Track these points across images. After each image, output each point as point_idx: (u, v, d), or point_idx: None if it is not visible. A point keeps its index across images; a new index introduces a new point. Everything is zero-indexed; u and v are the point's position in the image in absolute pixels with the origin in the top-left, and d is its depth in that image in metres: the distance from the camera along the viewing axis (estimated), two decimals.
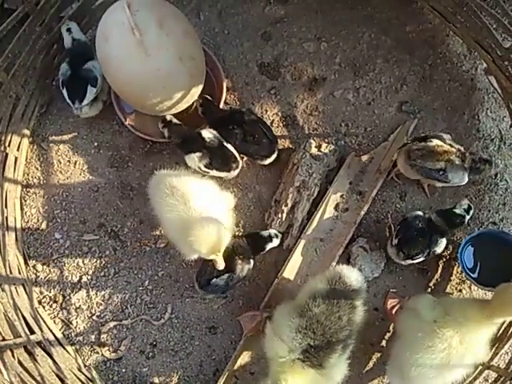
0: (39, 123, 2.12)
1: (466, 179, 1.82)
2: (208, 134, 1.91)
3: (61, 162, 2.09)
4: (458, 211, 1.81)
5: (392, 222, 1.94)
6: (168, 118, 1.94)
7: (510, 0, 1.84)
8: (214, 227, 1.53)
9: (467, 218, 1.83)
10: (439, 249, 1.83)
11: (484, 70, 2.10)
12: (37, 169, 2.09)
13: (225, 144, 1.92)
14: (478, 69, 2.14)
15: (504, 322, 1.76)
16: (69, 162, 2.09)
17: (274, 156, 1.97)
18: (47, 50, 2.03)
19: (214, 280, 1.74)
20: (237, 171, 1.96)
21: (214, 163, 1.90)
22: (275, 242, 1.86)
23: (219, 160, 1.90)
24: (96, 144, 2.10)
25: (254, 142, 1.93)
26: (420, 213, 1.85)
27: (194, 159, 1.89)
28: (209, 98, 1.99)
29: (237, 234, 1.90)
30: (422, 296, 1.72)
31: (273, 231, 1.88)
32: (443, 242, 1.83)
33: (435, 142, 1.80)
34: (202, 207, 1.64)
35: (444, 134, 1.85)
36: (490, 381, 1.75)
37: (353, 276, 1.59)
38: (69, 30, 1.97)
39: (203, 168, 1.90)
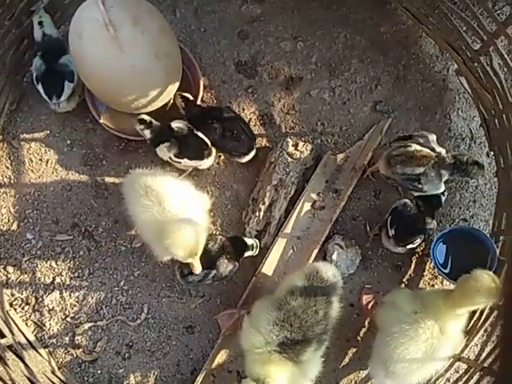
0: (9, 121, 2.05)
1: (442, 187, 1.82)
2: (177, 124, 1.90)
3: (32, 161, 2.04)
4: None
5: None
6: (146, 118, 1.89)
7: (479, 3, 1.89)
8: (192, 230, 1.52)
9: (443, 198, 1.91)
10: (432, 230, 1.90)
11: (455, 71, 2.16)
12: (7, 168, 2.03)
13: (195, 132, 1.90)
14: (449, 70, 2.19)
15: (475, 313, 1.82)
16: (41, 160, 2.04)
17: (252, 153, 1.97)
18: (17, 45, 1.97)
19: (191, 276, 1.72)
20: (210, 159, 1.95)
21: (184, 151, 1.88)
22: (254, 252, 1.87)
23: (189, 148, 1.88)
24: (69, 142, 2.06)
25: (233, 138, 1.93)
26: (407, 200, 1.89)
27: (163, 150, 1.87)
28: (187, 95, 1.97)
29: (222, 234, 1.89)
30: (399, 290, 1.77)
31: (255, 241, 1.88)
32: (434, 222, 1.90)
33: (414, 146, 1.78)
34: (177, 208, 1.62)
35: (429, 135, 1.83)
36: (460, 372, 1.80)
37: (330, 271, 1.63)
38: (41, 23, 1.92)
39: (174, 158, 1.88)
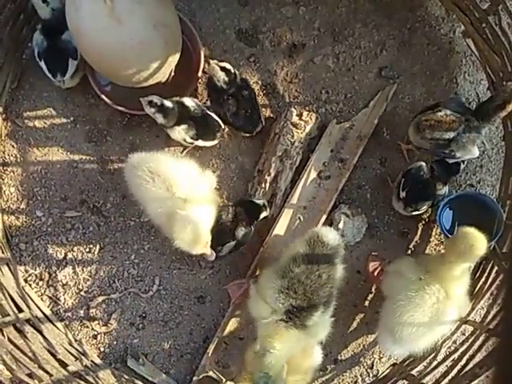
0: (11, 99, 2.04)
1: (477, 152, 1.79)
2: (191, 102, 1.86)
3: (37, 139, 2.04)
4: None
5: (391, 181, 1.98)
6: (156, 100, 1.75)
7: None
8: (192, 227, 1.57)
9: (462, 166, 1.89)
10: (442, 196, 1.89)
11: (462, 33, 2.10)
12: (13, 146, 2.03)
13: (208, 112, 1.89)
14: (456, 32, 2.13)
15: (482, 277, 1.85)
16: (45, 138, 2.04)
17: (257, 130, 1.98)
18: (13, 21, 1.93)
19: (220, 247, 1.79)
20: (219, 138, 1.95)
21: (200, 133, 1.87)
22: (268, 212, 1.86)
23: (204, 130, 1.88)
24: (72, 118, 2.05)
25: (245, 116, 1.92)
26: (423, 163, 1.88)
27: (180, 132, 1.85)
28: (227, 66, 1.87)
29: (230, 204, 1.90)
30: (402, 258, 1.78)
31: (264, 201, 1.86)
32: (445, 189, 1.89)
33: (444, 111, 1.76)
34: (185, 191, 1.63)
35: (458, 98, 1.80)
36: (466, 334, 1.84)
37: (330, 235, 1.63)
38: (45, 0, 1.83)
39: (189, 139, 1.87)
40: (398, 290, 1.66)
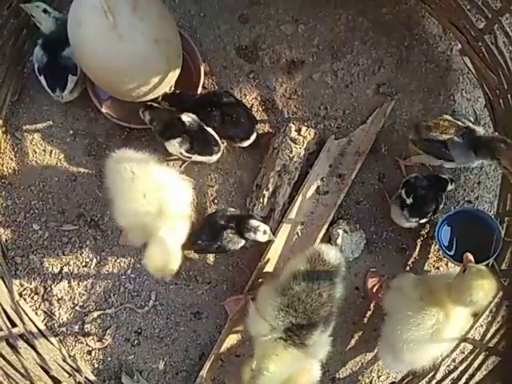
0: (11, 112, 2.05)
1: (475, 162, 1.77)
2: (187, 117, 1.88)
3: (36, 152, 2.04)
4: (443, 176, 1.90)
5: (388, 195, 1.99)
6: (153, 105, 1.88)
7: None
8: (161, 252, 1.57)
9: (449, 186, 1.91)
10: (441, 205, 1.89)
11: (459, 51, 2.13)
12: (11, 159, 2.03)
13: (205, 127, 1.90)
14: (453, 50, 2.16)
15: None
16: (44, 151, 2.04)
17: (253, 137, 1.96)
18: (16, 35, 1.95)
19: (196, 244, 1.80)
20: (218, 155, 1.95)
21: (195, 147, 1.88)
22: (262, 238, 1.76)
23: (200, 144, 1.88)
24: (72, 132, 2.05)
25: (233, 122, 1.91)
26: (418, 174, 1.89)
27: (174, 145, 1.86)
28: (172, 91, 1.96)
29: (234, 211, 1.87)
30: (405, 275, 1.76)
31: (266, 228, 1.76)
32: (453, 186, 1.93)
33: (443, 116, 1.80)
34: (160, 201, 1.63)
35: (466, 117, 1.82)
36: (465, 352, 1.82)
37: (331, 253, 1.61)
38: (45, 11, 1.84)
39: (185, 153, 1.88)
40: (399, 308, 1.64)
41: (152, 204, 1.62)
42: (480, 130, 1.76)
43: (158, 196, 1.64)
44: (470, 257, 1.60)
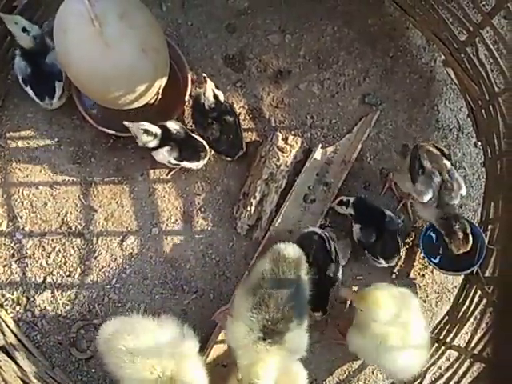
0: None
1: (428, 196, 1.76)
2: (173, 125, 1.88)
3: (20, 160, 2.01)
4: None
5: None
6: (152, 130, 1.81)
7: None
8: None
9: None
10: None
11: (442, 62, 2.17)
12: None
13: (191, 134, 1.90)
14: (436, 61, 2.20)
15: (465, 302, 1.85)
16: (29, 158, 2.01)
17: (238, 155, 2.00)
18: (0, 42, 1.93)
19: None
20: (205, 160, 1.95)
21: (184, 155, 1.88)
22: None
23: (188, 150, 1.89)
24: (56, 140, 2.03)
25: (227, 142, 1.95)
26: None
27: (163, 154, 1.86)
28: (217, 92, 1.94)
29: None
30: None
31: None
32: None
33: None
34: (172, 364, 1.50)
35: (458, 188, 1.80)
36: (451, 360, 1.83)
37: (289, 248, 1.70)
38: (24, 29, 1.83)
39: (173, 161, 1.87)
40: (363, 346, 1.71)
41: (166, 374, 1.48)
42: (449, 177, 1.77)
43: (167, 361, 1.50)
44: (348, 291, 1.83)
